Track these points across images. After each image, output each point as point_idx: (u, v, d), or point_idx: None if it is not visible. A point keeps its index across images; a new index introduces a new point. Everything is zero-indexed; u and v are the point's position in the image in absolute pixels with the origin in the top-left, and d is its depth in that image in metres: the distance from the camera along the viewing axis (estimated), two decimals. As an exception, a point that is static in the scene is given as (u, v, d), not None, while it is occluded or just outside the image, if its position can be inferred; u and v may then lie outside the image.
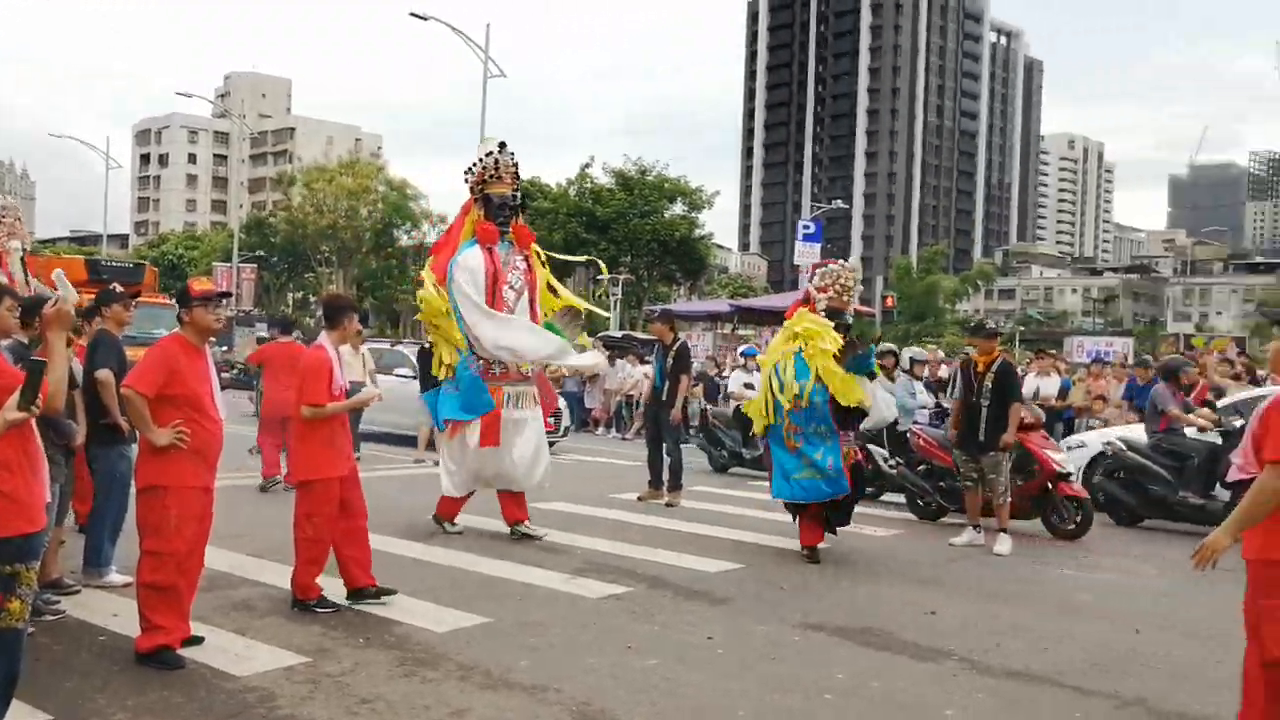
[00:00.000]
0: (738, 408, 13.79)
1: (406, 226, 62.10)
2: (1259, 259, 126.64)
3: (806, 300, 8.63)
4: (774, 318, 27.11)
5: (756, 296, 53.94)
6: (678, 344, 11.40)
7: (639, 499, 11.10)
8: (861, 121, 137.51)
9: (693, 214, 55.53)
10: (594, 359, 9.13)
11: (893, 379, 12.96)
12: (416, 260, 62.18)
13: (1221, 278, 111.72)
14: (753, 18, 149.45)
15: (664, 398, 11.19)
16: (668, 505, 10.84)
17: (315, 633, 5.67)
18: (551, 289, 9.09)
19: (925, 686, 5.21)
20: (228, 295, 6.11)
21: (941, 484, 10.54)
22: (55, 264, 19.16)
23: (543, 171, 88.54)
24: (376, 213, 60.07)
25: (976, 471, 9.11)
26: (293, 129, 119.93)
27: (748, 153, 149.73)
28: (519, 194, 8.94)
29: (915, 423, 11.68)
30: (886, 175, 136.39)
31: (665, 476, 11.19)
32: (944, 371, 15.88)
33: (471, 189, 8.77)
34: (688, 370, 11.38)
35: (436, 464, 13.48)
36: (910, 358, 12.95)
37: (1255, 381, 13.74)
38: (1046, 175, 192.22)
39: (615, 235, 53.63)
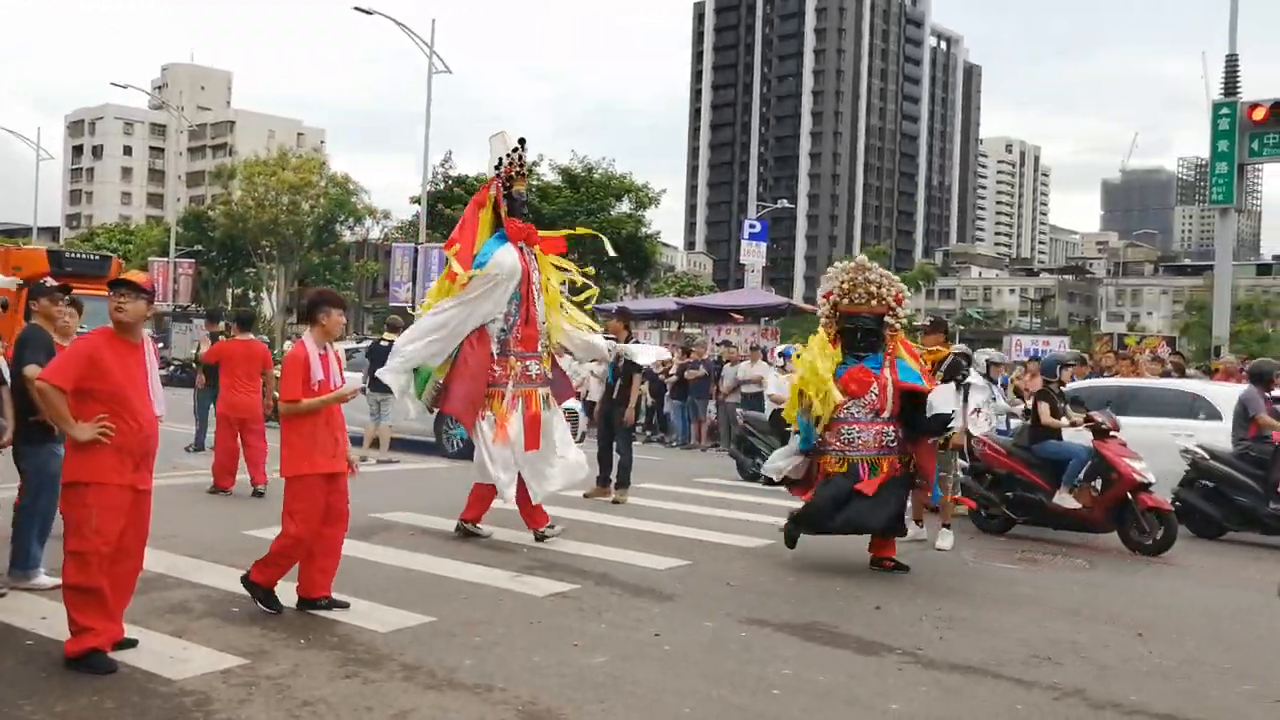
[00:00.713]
0: (775, 412, 12.65)
1: (349, 222, 61.45)
2: (1187, 261, 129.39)
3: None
4: (719, 316, 27.26)
5: (703, 295, 54.07)
6: (631, 342, 11.39)
7: (585, 496, 11.05)
8: (806, 122, 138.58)
9: (639, 212, 55.57)
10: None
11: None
12: (360, 256, 61.64)
13: (1152, 279, 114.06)
14: (699, 18, 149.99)
15: (615, 396, 11.18)
16: (614, 503, 10.81)
17: (254, 634, 5.56)
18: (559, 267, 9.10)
19: (870, 680, 5.23)
20: (127, 285, 5.76)
21: (1010, 495, 9.93)
22: (14, 256, 18.52)
23: (489, 169, 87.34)
24: (319, 208, 59.33)
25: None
26: (233, 122, 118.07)
27: (694, 152, 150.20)
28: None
29: (1000, 431, 10.84)
30: (830, 176, 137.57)
31: (613, 474, 11.17)
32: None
33: (503, 183, 8.68)
34: (640, 369, 11.35)
35: (379, 462, 13.45)
36: (986, 360, 11.68)
37: (1184, 378, 14.03)
38: (985, 178, 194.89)
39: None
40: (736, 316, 26.83)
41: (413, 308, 37.47)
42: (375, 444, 13.99)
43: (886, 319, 8.10)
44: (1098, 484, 9.51)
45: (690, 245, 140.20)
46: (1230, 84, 19.84)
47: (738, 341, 22.05)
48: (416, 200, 51.21)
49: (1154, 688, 5.30)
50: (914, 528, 9.24)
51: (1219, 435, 10.70)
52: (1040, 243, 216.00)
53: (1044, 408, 9.81)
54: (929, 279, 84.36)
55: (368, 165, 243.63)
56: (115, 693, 4.59)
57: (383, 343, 13.56)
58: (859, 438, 7.92)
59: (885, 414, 7.93)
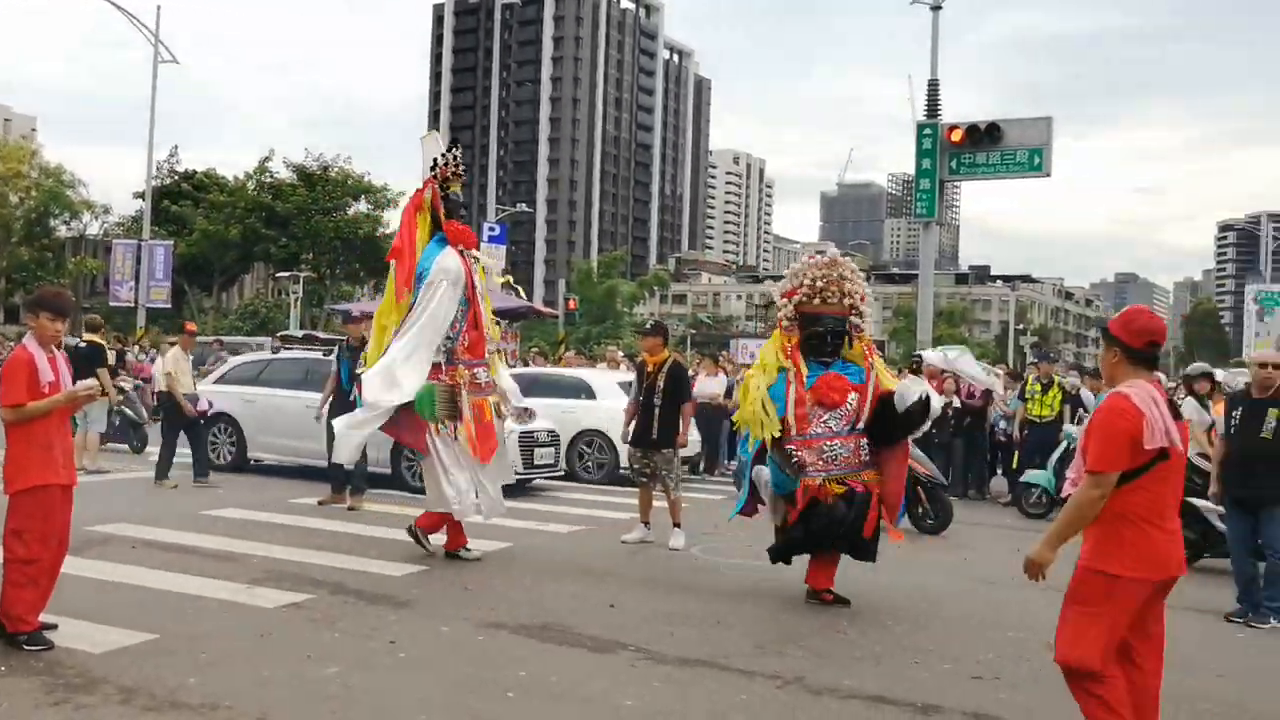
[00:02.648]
0: None
1: (65, 216, 56.79)
2: (896, 270, 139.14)
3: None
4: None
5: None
6: (368, 344, 11.12)
7: (320, 503, 10.78)
8: (544, 129, 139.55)
9: (377, 212, 54.48)
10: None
11: (1208, 408, 10.06)
12: (77, 252, 57.17)
13: (865, 287, 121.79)
14: (438, 20, 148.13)
15: (351, 399, 10.88)
16: (350, 510, 10.58)
17: (-53, 663, 5.11)
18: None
19: (604, 678, 5.39)
20: None
21: None
22: None
23: (219, 164, 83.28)
24: (30, 200, 54.43)
25: (650, 468, 9.45)
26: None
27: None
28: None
29: None
30: (568, 181, 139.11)
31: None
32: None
33: (440, 185, 8.45)
34: None
35: (89, 472, 12.53)
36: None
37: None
38: (714, 188, 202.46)
39: (296, 231, 51.78)
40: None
41: (135, 306, 35.08)
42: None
43: (851, 319, 7.43)
44: None
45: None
46: (932, 106, 21.45)
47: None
48: (140, 195, 48.10)
49: (866, 671, 5.73)
50: (641, 529, 9.54)
51: (596, 412, 14.11)
52: (765, 251, 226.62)
53: None
54: (663, 285, 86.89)
55: (86, 156, 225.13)
56: None
57: (81, 345, 12.58)
58: (839, 454, 7.17)
59: (861, 425, 7.21)
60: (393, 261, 8.47)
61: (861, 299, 7.50)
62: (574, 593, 7.35)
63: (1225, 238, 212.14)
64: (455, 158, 8.58)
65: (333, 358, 11.46)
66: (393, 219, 57.24)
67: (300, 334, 26.34)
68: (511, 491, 9.71)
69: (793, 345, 7.32)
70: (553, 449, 12.90)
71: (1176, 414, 3.93)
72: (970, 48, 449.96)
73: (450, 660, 5.56)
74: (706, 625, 6.57)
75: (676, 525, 9.40)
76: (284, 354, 14.64)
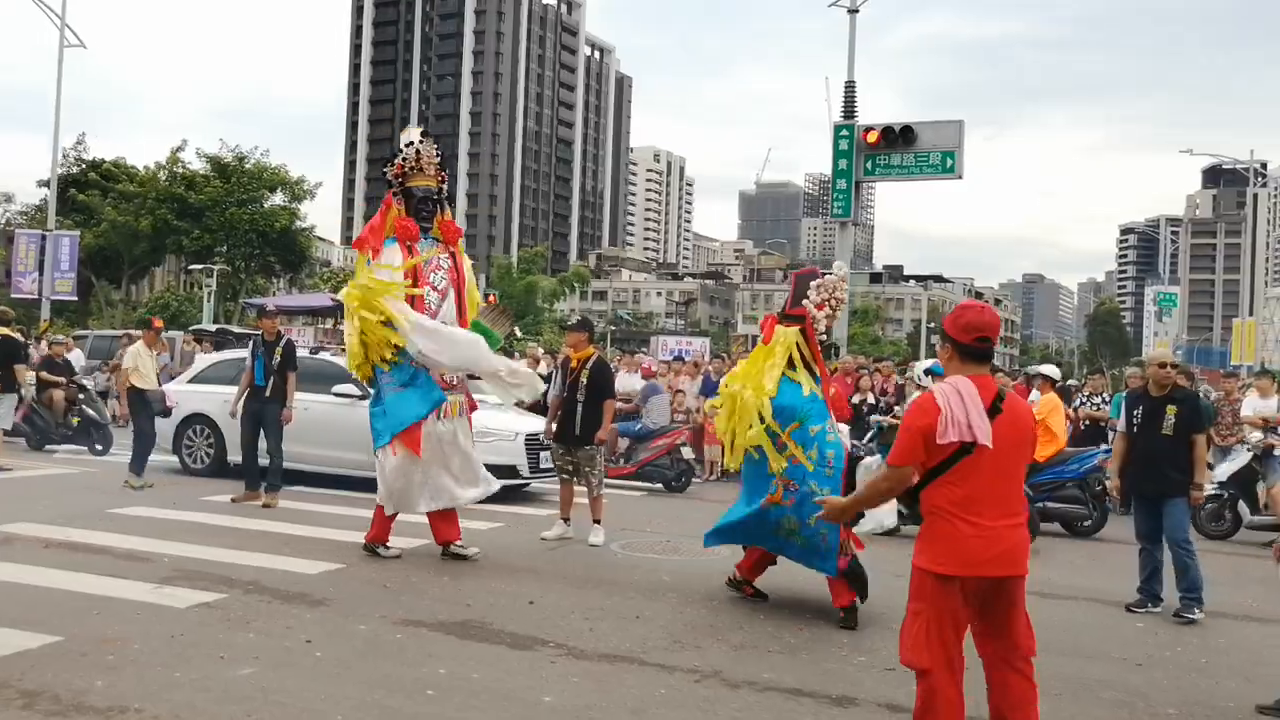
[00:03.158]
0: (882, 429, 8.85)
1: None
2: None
3: (784, 318, 7.31)
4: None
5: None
6: (284, 340, 10.97)
7: (233, 501, 10.58)
8: (465, 122, 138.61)
9: (294, 205, 53.62)
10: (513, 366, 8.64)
11: None
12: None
13: (782, 285, 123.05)
14: (357, 11, 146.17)
15: (269, 394, 10.70)
16: (265, 507, 10.40)
17: None
18: None
19: (524, 674, 5.39)
20: None
21: None
22: None
23: (129, 153, 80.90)
24: (-76, 188, 52.53)
25: (572, 464, 9.46)
26: None
27: (352, 146, 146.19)
28: (444, 187, 8.39)
29: None
30: (489, 175, 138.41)
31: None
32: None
33: (390, 182, 8.22)
34: (296, 367, 10.91)
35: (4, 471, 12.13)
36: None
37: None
38: (634, 185, 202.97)
39: (210, 223, 50.69)
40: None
41: (39, 299, 33.97)
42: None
43: None
44: None
45: (348, 240, 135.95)
46: (849, 108, 21.70)
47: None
48: (45, 183, 46.74)
49: (783, 664, 5.81)
50: (561, 526, 9.54)
51: None
52: (685, 249, 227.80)
53: None
54: (583, 281, 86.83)
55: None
56: None
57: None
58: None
59: None
60: (357, 250, 8.41)
61: None
62: (494, 589, 7.32)
63: (1126, 240, 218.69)
64: (417, 151, 8.31)
65: (247, 353, 11.20)
66: (311, 212, 56.33)
67: (214, 328, 25.88)
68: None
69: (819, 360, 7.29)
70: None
71: (998, 411, 3.86)
72: (886, 51, 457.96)
73: (368, 659, 5.50)
74: (626, 620, 6.60)
75: (597, 522, 9.42)
76: None
